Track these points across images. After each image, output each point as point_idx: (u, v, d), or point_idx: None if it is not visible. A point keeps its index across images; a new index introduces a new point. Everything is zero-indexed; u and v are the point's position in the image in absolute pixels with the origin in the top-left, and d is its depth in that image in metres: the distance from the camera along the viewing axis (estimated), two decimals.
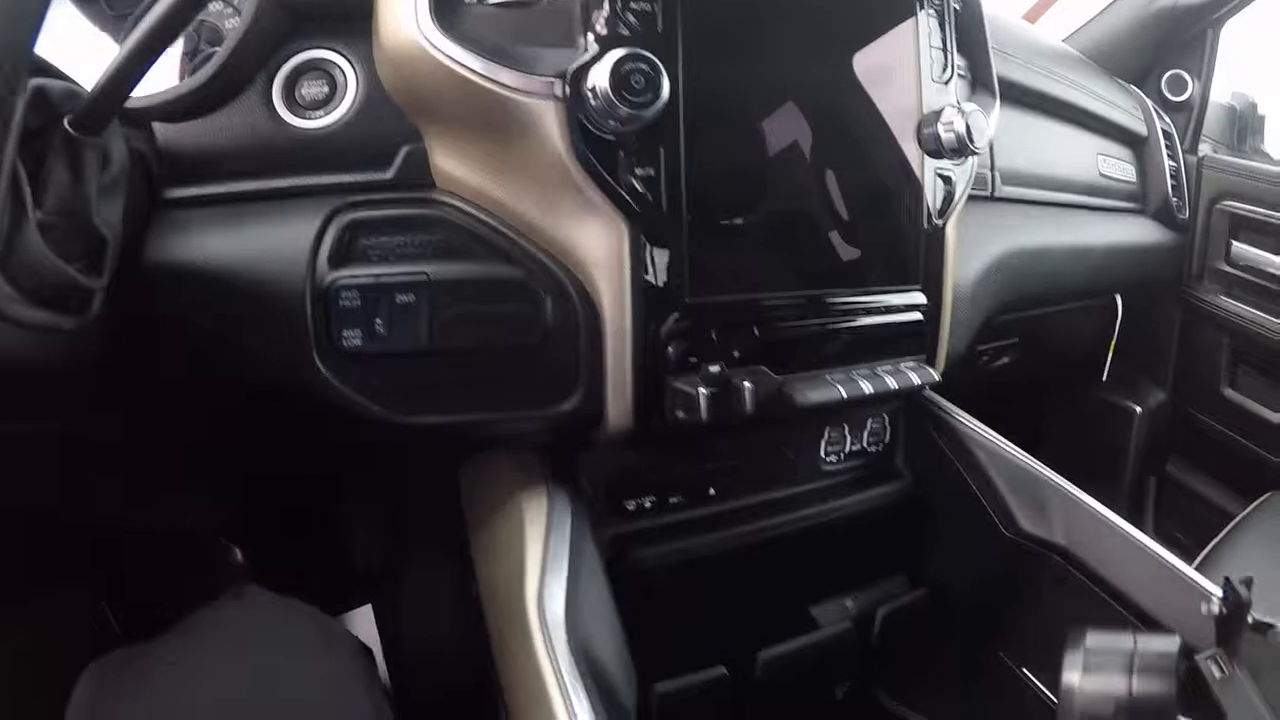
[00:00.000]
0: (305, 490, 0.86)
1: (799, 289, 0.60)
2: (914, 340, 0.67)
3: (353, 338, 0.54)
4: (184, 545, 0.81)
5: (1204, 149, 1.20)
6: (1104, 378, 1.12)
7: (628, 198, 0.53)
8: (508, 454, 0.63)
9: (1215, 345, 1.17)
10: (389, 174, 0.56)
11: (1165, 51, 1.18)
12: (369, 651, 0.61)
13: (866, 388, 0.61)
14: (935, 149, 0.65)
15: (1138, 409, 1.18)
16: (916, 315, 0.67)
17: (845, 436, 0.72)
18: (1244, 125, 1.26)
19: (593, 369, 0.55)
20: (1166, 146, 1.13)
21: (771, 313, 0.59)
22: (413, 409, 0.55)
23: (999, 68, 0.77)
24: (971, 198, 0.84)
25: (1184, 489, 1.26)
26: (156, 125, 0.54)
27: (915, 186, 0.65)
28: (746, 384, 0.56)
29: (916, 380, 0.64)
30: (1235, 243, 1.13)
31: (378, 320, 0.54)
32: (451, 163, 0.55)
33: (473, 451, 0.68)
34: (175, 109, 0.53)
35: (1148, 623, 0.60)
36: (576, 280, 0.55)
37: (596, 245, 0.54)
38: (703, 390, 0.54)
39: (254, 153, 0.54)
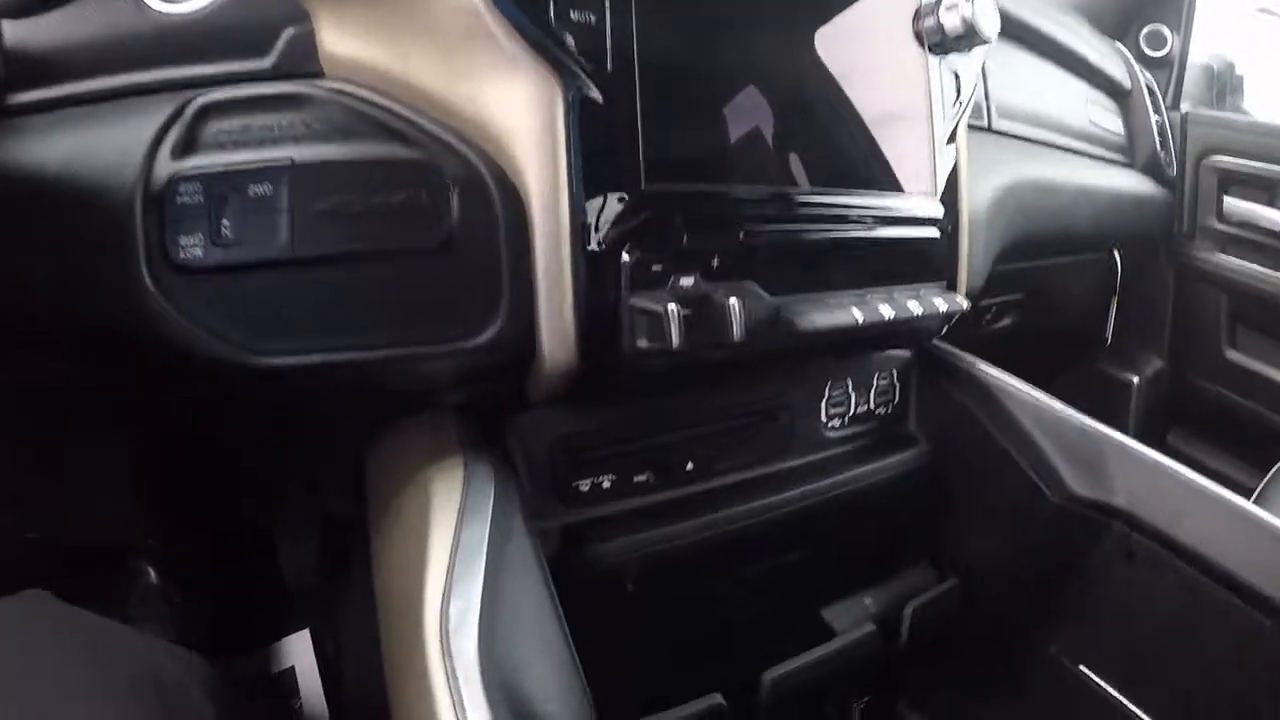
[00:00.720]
0: (224, 497, 0.64)
1: (794, 186, 0.43)
2: (933, 262, 0.50)
3: (191, 246, 0.35)
4: (90, 564, 0.59)
5: (1185, 107, 1.07)
6: (1107, 340, 0.96)
7: (561, 47, 0.35)
8: (417, 420, 0.44)
9: (1213, 305, 1.02)
10: (267, 62, 0.38)
11: (1143, 5, 1.05)
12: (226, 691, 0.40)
13: (886, 312, 0.43)
14: (939, 41, 0.49)
15: (1135, 379, 1.03)
16: (934, 231, 0.50)
17: (849, 396, 0.54)
18: (1223, 85, 1.14)
19: (518, 284, 0.37)
20: (1150, 101, 1.00)
21: (759, 212, 0.41)
22: (266, 346, 0.36)
23: None
24: (972, 128, 0.69)
25: (1189, 462, 1.10)
26: (5, 24, 0.37)
27: (922, 83, 0.49)
28: (733, 301, 0.38)
29: (943, 306, 0.47)
30: (1227, 198, 0.99)
31: (224, 222, 0.35)
32: (342, 41, 0.38)
33: (374, 420, 0.48)
34: (27, 3, 0.37)
35: (1245, 596, 0.43)
36: (492, 163, 0.37)
37: (520, 112, 0.36)
38: (673, 308, 0.36)
39: (113, 45, 0.38)
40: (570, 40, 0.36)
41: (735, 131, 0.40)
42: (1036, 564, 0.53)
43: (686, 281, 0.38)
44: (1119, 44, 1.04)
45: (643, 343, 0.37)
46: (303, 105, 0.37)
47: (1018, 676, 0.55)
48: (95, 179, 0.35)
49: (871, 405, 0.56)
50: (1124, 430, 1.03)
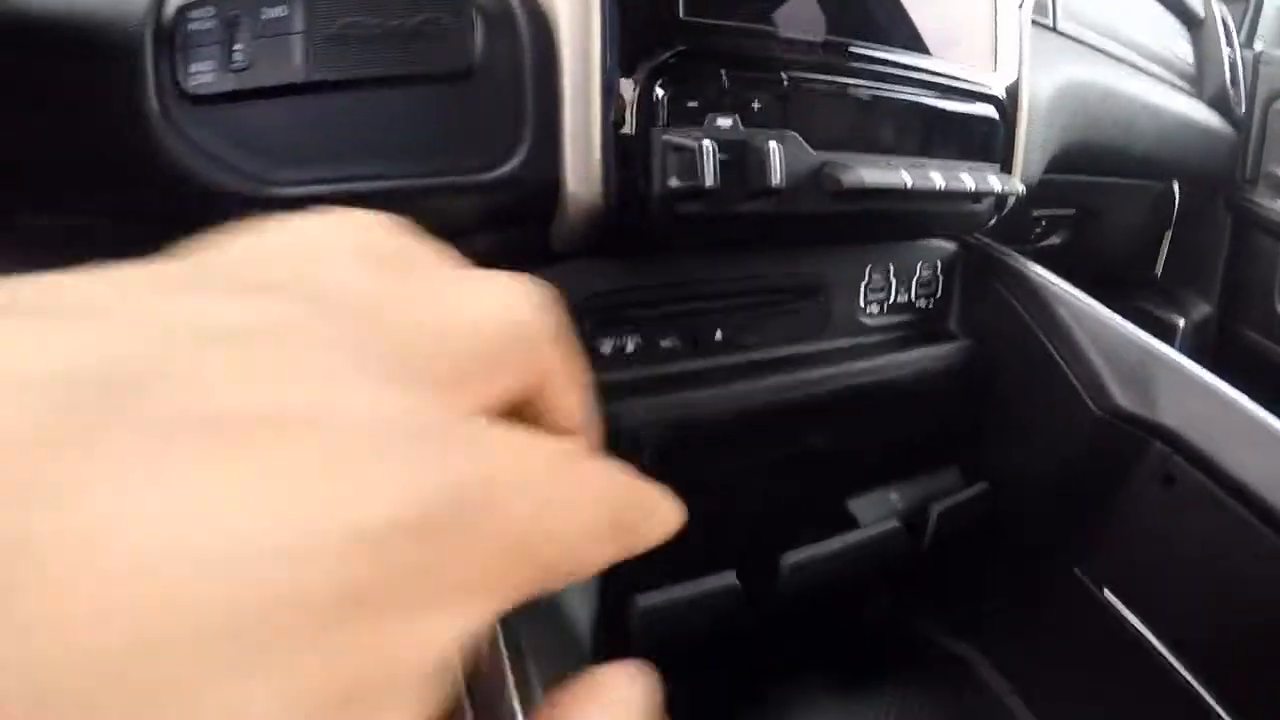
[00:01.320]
0: None
1: (846, 36, 0.37)
2: (989, 141, 0.44)
3: (202, 73, 0.31)
4: None
5: (1259, 46, 0.95)
6: (1158, 272, 0.87)
7: None
8: None
9: (1269, 255, 0.92)
10: None
11: None
12: None
13: (938, 180, 0.37)
14: None
15: (1181, 322, 0.94)
16: (991, 110, 0.43)
17: (890, 283, 0.48)
18: None
19: (543, 116, 0.32)
20: (1224, 34, 0.88)
21: (807, 58, 0.36)
22: (280, 176, 0.32)
23: None
24: (1036, 24, 0.61)
25: None
26: None
27: None
28: (773, 144, 0.32)
29: (999, 186, 0.41)
30: None
31: (236, 46, 0.31)
32: None
33: None
34: None
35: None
36: None
37: None
38: (708, 144, 0.31)
39: None
40: None
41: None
42: (1070, 478, 0.47)
43: (725, 122, 0.33)
44: None
45: (674, 181, 0.32)
46: None
47: (1038, 595, 0.50)
48: (107, 11, 0.31)
49: (912, 296, 0.50)
50: None
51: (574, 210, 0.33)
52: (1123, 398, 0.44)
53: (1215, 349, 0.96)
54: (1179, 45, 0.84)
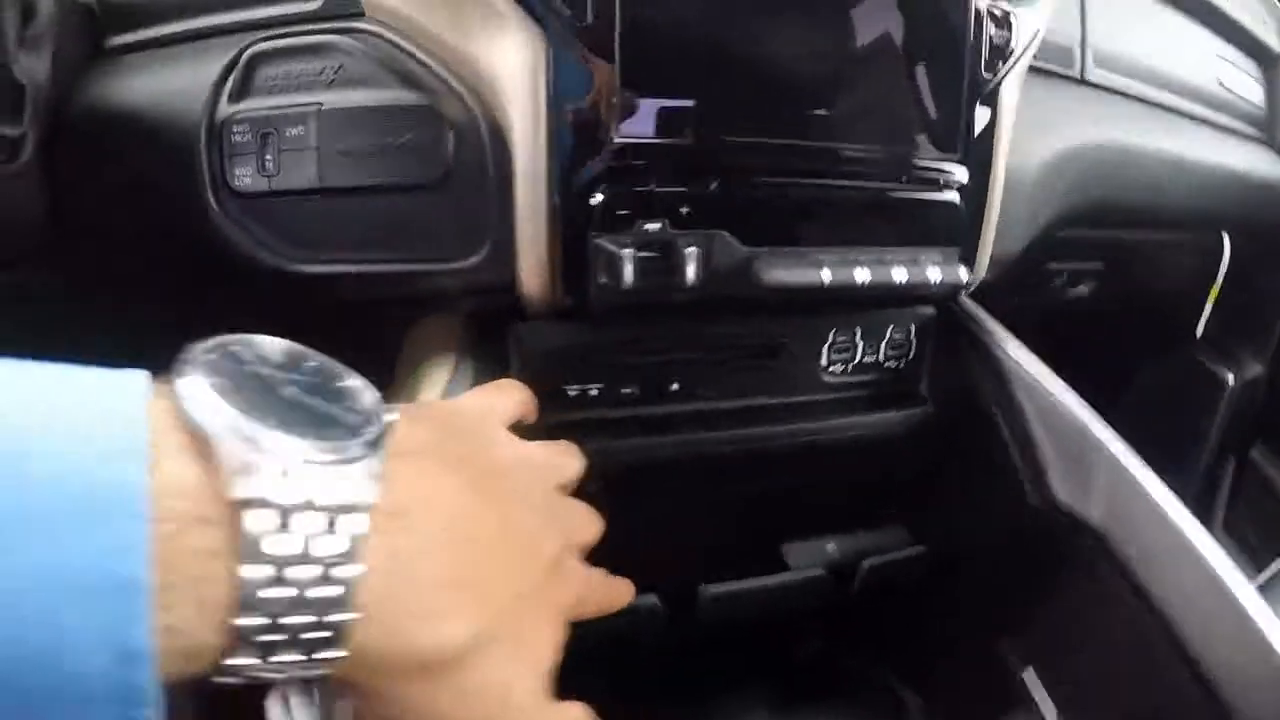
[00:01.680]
0: None
1: (785, 136, 0.38)
2: (944, 226, 0.43)
3: (244, 176, 0.39)
4: None
5: None
6: (1199, 333, 0.79)
7: (545, 5, 0.34)
8: (431, 321, 0.46)
9: None
10: (316, 4, 0.40)
11: None
12: None
13: (861, 275, 0.38)
14: None
15: (1230, 378, 0.85)
16: (951, 194, 0.43)
17: (856, 344, 0.48)
18: None
19: (502, 219, 0.37)
20: None
21: (741, 161, 0.38)
22: (300, 255, 0.40)
23: None
24: (1053, 76, 0.57)
25: (1267, 482, 0.91)
26: None
27: (959, 25, 0.41)
28: (691, 249, 0.35)
29: (935, 277, 0.41)
30: None
31: (268, 157, 0.39)
32: None
33: (403, 324, 0.51)
34: None
35: (1184, 658, 0.36)
36: (487, 109, 0.37)
37: (506, 63, 0.35)
38: (627, 252, 0.34)
39: None
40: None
41: (720, 82, 0.36)
42: (1005, 557, 0.47)
43: (652, 227, 0.36)
44: (1275, 2, 0.80)
45: (603, 279, 0.36)
46: (334, 53, 0.38)
47: (967, 660, 0.50)
48: (170, 117, 0.39)
49: (881, 357, 0.49)
50: (1207, 430, 0.87)
51: (528, 295, 0.38)
52: (1060, 490, 0.43)
53: (1264, 411, 0.86)
54: (1244, 84, 0.74)
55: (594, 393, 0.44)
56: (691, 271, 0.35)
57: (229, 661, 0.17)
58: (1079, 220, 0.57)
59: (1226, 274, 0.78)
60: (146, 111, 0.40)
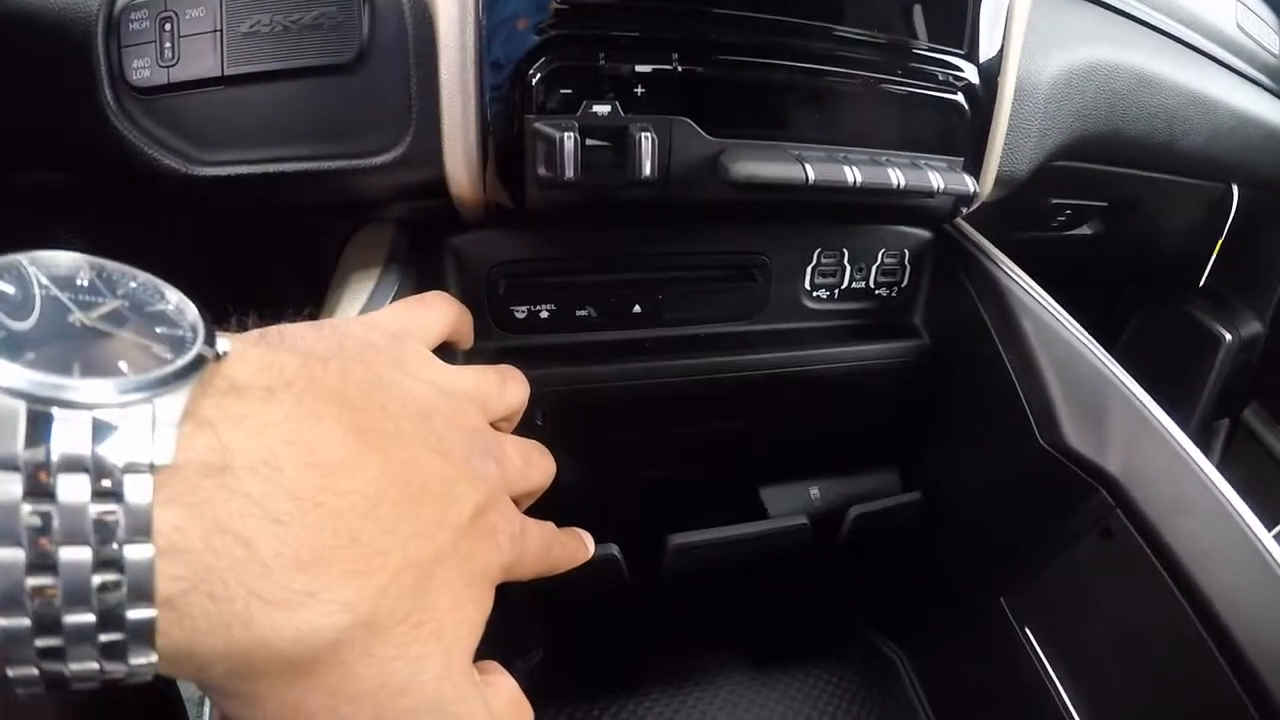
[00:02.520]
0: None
1: (764, 9, 0.29)
2: (948, 132, 0.34)
3: (141, 68, 0.30)
4: None
5: None
6: (1200, 283, 0.69)
7: None
8: (364, 232, 0.36)
9: None
10: None
11: None
12: None
13: (851, 175, 0.29)
14: None
15: (1227, 335, 0.75)
16: (957, 96, 0.33)
17: (843, 267, 0.39)
18: None
19: (425, 103, 0.28)
20: None
21: (709, 32, 0.28)
22: (205, 157, 0.31)
23: None
24: None
25: (1259, 442, 0.81)
26: None
27: None
28: (645, 135, 0.26)
29: (938, 183, 0.31)
30: None
31: (166, 45, 0.30)
32: None
33: (339, 231, 0.41)
34: None
35: (1212, 625, 0.29)
36: None
37: None
38: (568, 136, 0.25)
39: None
40: None
41: None
42: (1009, 505, 0.38)
43: (601, 109, 0.27)
44: None
45: (542, 170, 0.27)
46: None
47: (961, 618, 0.42)
48: (64, 10, 0.30)
49: (871, 284, 0.41)
50: (1200, 386, 0.77)
51: (457, 192, 0.29)
52: (1072, 434, 0.34)
53: (1259, 371, 0.76)
54: (1263, 31, 0.63)
55: (544, 315, 0.35)
56: (647, 163, 0.26)
57: (8, 672, 0.12)
58: (1089, 150, 0.47)
59: (1231, 229, 0.67)
60: (38, 7, 0.31)
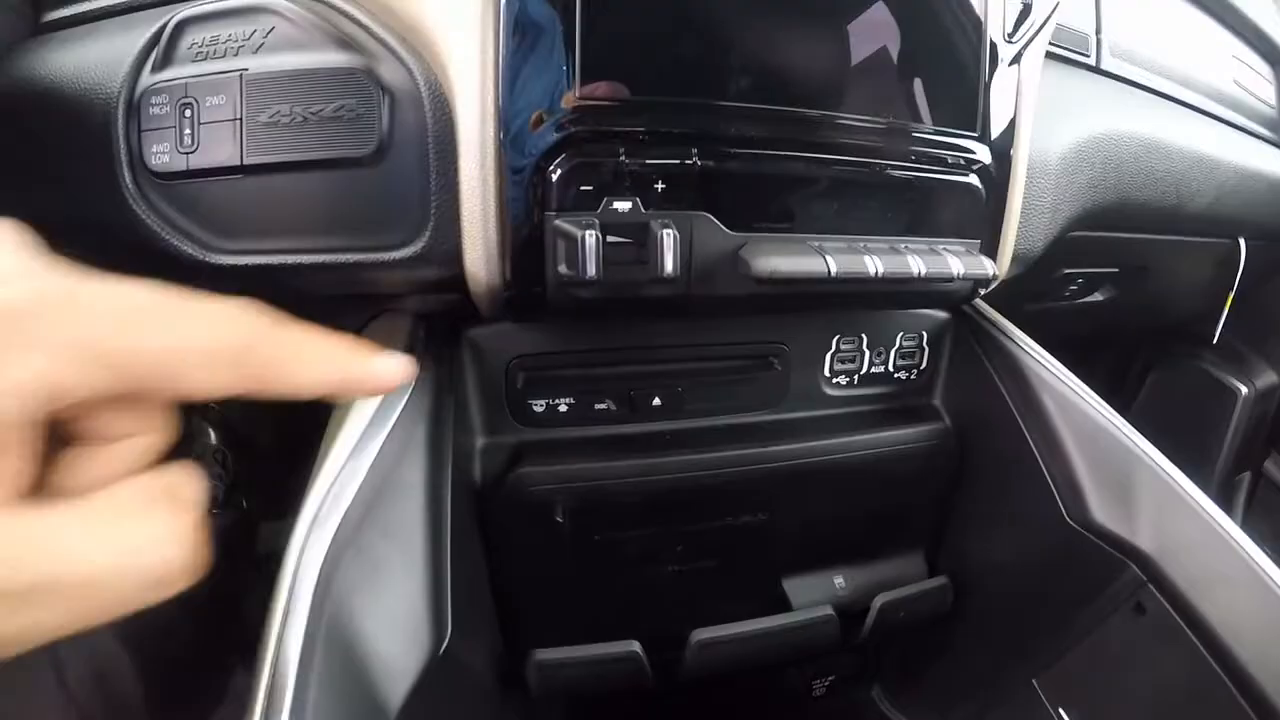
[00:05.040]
0: None
1: (780, 102, 0.30)
2: (965, 215, 0.34)
3: (161, 153, 0.31)
4: None
5: None
6: (1214, 340, 0.69)
7: None
8: (381, 322, 0.36)
9: None
10: None
11: None
12: None
13: (873, 265, 0.29)
14: None
15: (1243, 389, 0.75)
16: (970, 177, 0.34)
17: (862, 352, 0.40)
18: None
19: (445, 197, 0.29)
20: None
21: (725, 130, 0.29)
22: (221, 245, 0.31)
23: None
24: (1071, 64, 0.49)
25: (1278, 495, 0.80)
26: None
27: None
28: (666, 232, 0.26)
29: (958, 269, 0.32)
30: None
31: (186, 131, 0.30)
32: None
33: (357, 320, 0.41)
34: None
35: (1254, 699, 0.28)
36: (427, 69, 0.28)
37: (449, 17, 0.27)
38: (590, 235, 0.26)
39: None
40: None
41: (702, 32, 0.28)
42: (1039, 586, 0.37)
43: (622, 205, 0.27)
44: None
45: (563, 268, 0.27)
46: (265, 15, 0.30)
47: (993, 699, 0.40)
48: (89, 90, 0.31)
49: (890, 368, 0.41)
50: (1220, 443, 0.76)
51: (475, 288, 0.29)
52: (1099, 511, 0.34)
53: (1276, 420, 0.75)
54: (1259, 85, 0.65)
55: (563, 408, 0.35)
56: (669, 260, 0.26)
57: None
58: (1098, 220, 0.48)
59: (1241, 282, 0.68)
60: (67, 86, 0.32)
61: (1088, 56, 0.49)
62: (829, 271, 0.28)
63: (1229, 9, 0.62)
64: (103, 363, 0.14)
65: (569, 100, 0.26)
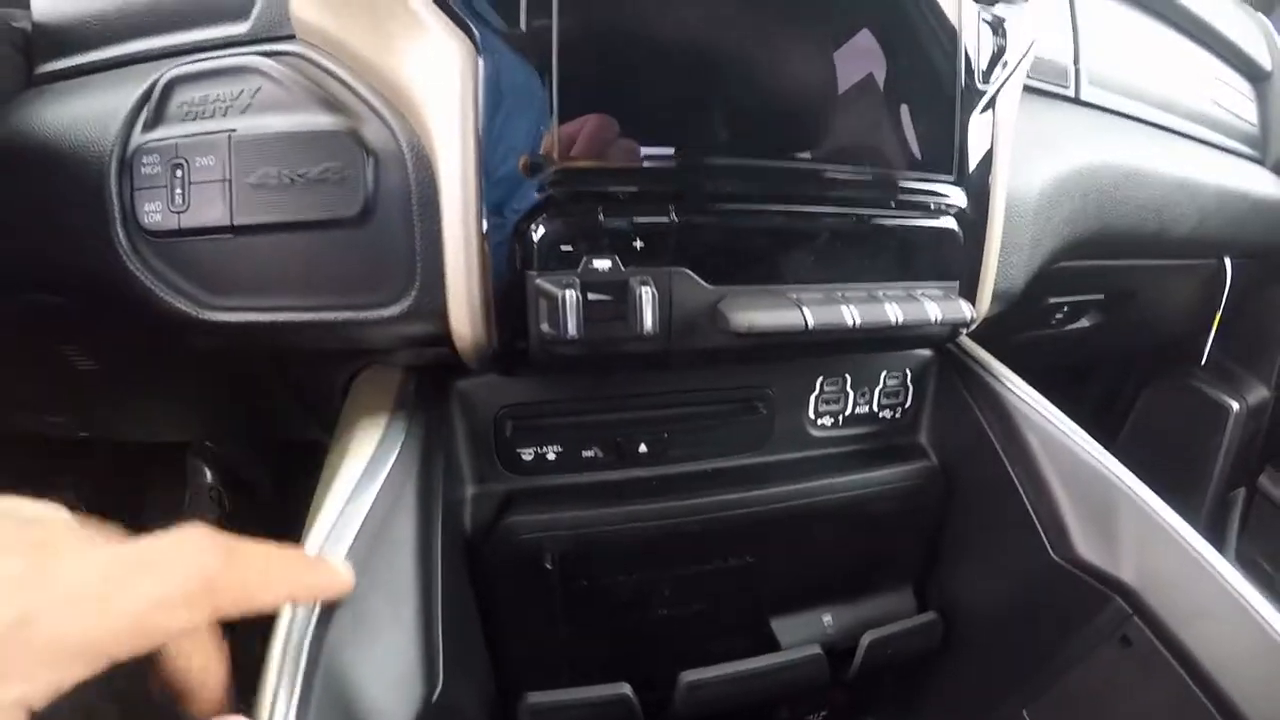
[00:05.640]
0: (279, 411, 0.63)
1: (753, 156, 0.30)
2: (942, 257, 0.35)
3: (153, 212, 0.32)
4: (152, 458, 0.62)
5: None
6: (1203, 360, 0.70)
7: (468, 7, 0.26)
8: (372, 373, 0.37)
9: None
10: (244, 27, 0.33)
11: None
12: None
13: (850, 316, 0.30)
14: None
15: (1235, 405, 0.75)
16: (947, 221, 0.34)
17: (846, 393, 0.40)
18: None
19: (430, 257, 0.29)
20: None
21: (703, 184, 0.30)
22: (213, 303, 0.32)
23: None
24: (1050, 96, 0.50)
25: (1275, 510, 0.80)
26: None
27: (947, 32, 0.33)
28: (645, 290, 0.27)
29: (935, 314, 0.32)
30: None
31: (178, 191, 0.31)
32: (300, 5, 0.31)
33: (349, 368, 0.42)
34: None
35: None
36: (410, 131, 0.29)
37: (431, 77, 0.28)
38: (570, 293, 0.26)
39: (119, 15, 0.35)
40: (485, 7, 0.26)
41: (677, 92, 0.29)
42: (1026, 617, 0.38)
43: (601, 264, 0.28)
44: (1265, 18, 0.72)
45: (545, 327, 0.28)
46: (253, 76, 0.31)
47: None
48: (81, 146, 0.32)
49: (875, 407, 0.41)
50: (1213, 458, 0.77)
51: (461, 345, 0.30)
52: (1083, 545, 0.34)
53: (1270, 436, 0.76)
54: (1239, 103, 0.66)
55: (551, 456, 0.36)
56: (649, 318, 0.27)
57: None
58: (1080, 250, 0.49)
59: (1228, 300, 0.68)
60: (59, 141, 0.33)
61: (1066, 88, 0.50)
62: (806, 325, 0.29)
63: (1207, 29, 0.64)
64: (80, 661, 0.17)
65: (548, 162, 0.27)
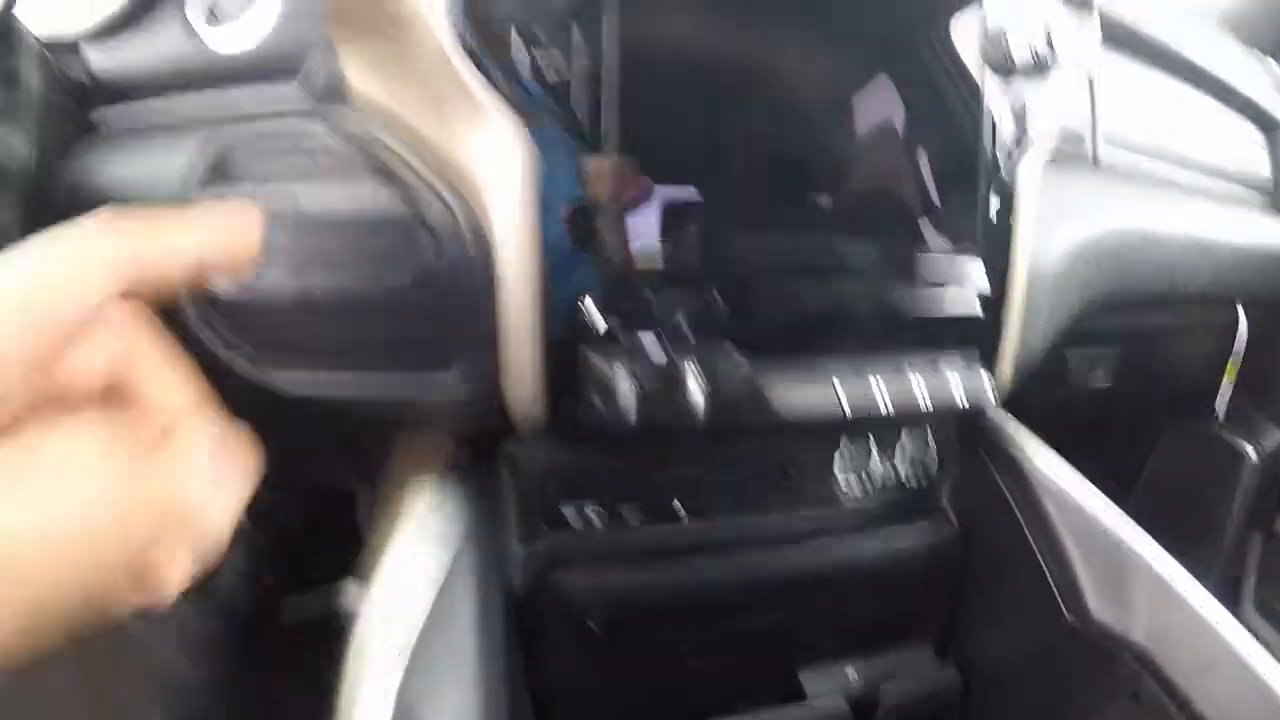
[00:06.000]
0: (309, 451, 0.64)
1: (789, 235, 0.32)
2: (967, 330, 0.36)
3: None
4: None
5: None
6: (1222, 414, 0.70)
7: (527, 96, 0.28)
8: (420, 436, 0.39)
9: None
10: (298, 89, 0.36)
11: None
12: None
13: (881, 400, 0.31)
14: (1001, 62, 0.35)
15: (1250, 450, 0.75)
16: (972, 292, 0.36)
17: (870, 454, 0.42)
18: None
19: (484, 331, 0.31)
20: None
21: (743, 263, 0.32)
22: (273, 364, 0.34)
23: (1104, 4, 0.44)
24: (1066, 161, 0.51)
25: None
26: (90, 50, 0.37)
27: (974, 111, 0.35)
28: (693, 375, 0.29)
29: (960, 395, 0.34)
30: None
31: None
32: (361, 75, 0.34)
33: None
34: (100, 29, 0.37)
35: None
36: (468, 209, 0.31)
37: (490, 161, 0.30)
38: (622, 375, 0.28)
39: (171, 73, 0.37)
40: (536, 89, 0.29)
41: (727, 175, 0.31)
42: (1041, 676, 0.39)
43: (649, 342, 0.29)
44: (1275, 62, 0.73)
45: (597, 403, 0.29)
46: (310, 143, 0.33)
47: None
48: (141, 202, 0.34)
49: (898, 469, 0.43)
50: (1230, 507, 0.77)
51: (515, 415, 0.32)
52: (1097, 607, 0.36)
53: None
54: (1252, 153, 0.67)
55: (593, 516, 0.37)
56: (698, 403, 0.29)
57: None
58: (1097, 311, 0.50)
59: (1243, 349, 0.69)
60: (123, 195, 0.35)
61: (1085, 151, 0.52)
62: (844, 413, 0.30)
63: (1218, 83, 0.65)
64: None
65: (606, 243, 0.29)
